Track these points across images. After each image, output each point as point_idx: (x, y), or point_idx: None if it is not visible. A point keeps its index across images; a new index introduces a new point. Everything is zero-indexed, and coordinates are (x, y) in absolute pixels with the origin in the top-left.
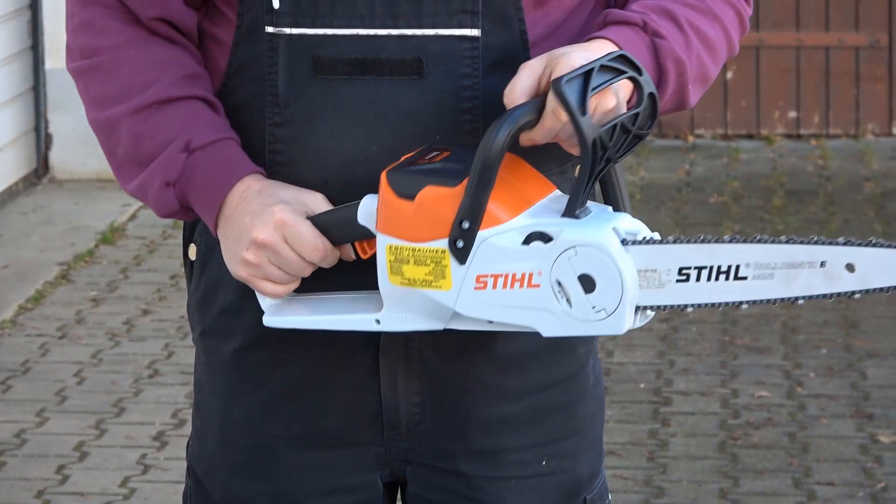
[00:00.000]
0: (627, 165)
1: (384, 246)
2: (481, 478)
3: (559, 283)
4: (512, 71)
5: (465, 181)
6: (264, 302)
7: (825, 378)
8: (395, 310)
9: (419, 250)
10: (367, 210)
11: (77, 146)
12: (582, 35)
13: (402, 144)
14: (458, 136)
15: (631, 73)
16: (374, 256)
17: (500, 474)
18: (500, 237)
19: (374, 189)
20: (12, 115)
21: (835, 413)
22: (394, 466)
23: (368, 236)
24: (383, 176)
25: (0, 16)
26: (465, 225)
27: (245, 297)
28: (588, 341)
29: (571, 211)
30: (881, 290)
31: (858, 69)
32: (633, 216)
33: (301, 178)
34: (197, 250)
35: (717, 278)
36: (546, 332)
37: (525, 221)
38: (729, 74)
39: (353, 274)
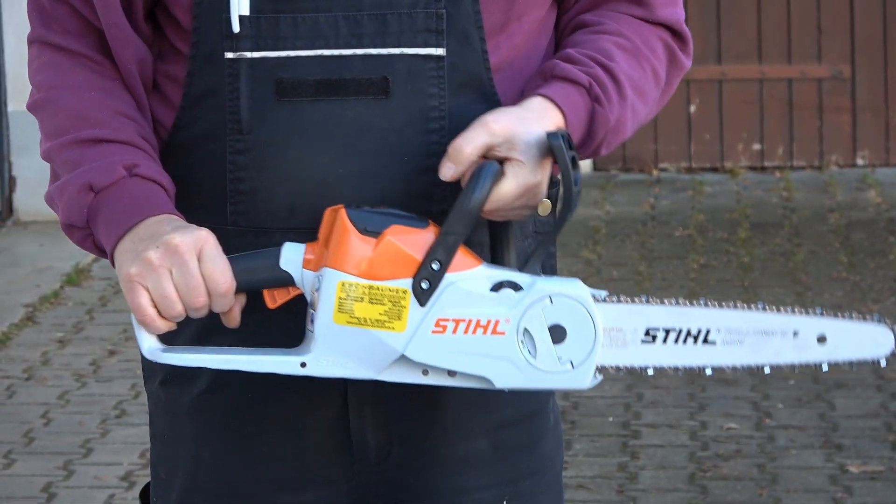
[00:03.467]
0: (593, 199)
1: (335, 282)
2: None
3: (527, 332)
4: (477, 94)
5: (433, 226)
6: (143, 339)
7: (794, 409)
8: (326, 353)
9: (377, 288)
10: (290, 255)
11: (41, 188)
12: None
13: (369, 166)
14: (426, 157)
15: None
16: (278, 308)
17: None
18: (467, 282)
19: None
20: None
21: (804, 444)
22: (365, 501)
23: (284, 284)
24: (342, 212)
25: None
26: (435, 266)
27: (205, 338)
28: None
29: (535, 268)
30: (848, 363)
31: (821, 101)
32: (598, 250)
33: (266, 205)
34: None
35: (684, 341)
36: (500, 384)
37: (491, 271)
38: (692, 108)
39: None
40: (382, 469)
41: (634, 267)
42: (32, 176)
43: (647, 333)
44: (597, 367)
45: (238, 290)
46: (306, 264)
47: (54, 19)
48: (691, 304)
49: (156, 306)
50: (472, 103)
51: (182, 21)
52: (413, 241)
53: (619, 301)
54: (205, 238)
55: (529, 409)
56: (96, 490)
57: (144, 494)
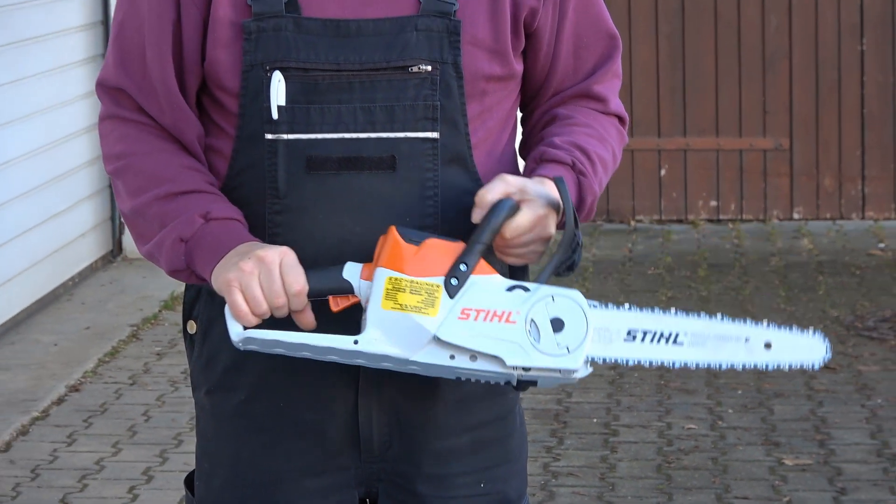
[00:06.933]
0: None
1: (384, 278)
2: (433, 497)
3: (533, 322)
4: (462, 167)
5: (461, 243)
6: (234, 328)
7: (741, 413)
8: (375, 333)
9: (416, 282)
10: (350, 270)
11: None
12: (510, 143)
13: (379, 226)
14: (423, 218)
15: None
16: (342, 312)
17: (448, 494)
18: (488, 283)
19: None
20: (94, 207)
21: (749, 441)
22: (368, 484)
23: (345, 292)
24: (392, 228)
25: (84, 128)
26: (463, 267)
27: (245, 357)
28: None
29: (541, 281)
30: (789, 365)
31: (766, 167)
32: (586, 286)
33: (297, 257)
34: (197, 325)
35: (658, 341)
36: (511, 362)
37: (506, 279)
38: (663, 171)
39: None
40: (384, 459)
41: (615, 299)
42: None
43: (628, 333)
44: (588, 359)
45: (310, 294)
46: (363, 276)
47: (122, 100)
48: (665, 312)
49: (247, 303)
50: (458, 175)
51: (228, 105)
52: (445, 248)
53: (607, 307)
54: (285, 251)
55: (499, 412)
56: (185, 474)
57: (189, 480)
